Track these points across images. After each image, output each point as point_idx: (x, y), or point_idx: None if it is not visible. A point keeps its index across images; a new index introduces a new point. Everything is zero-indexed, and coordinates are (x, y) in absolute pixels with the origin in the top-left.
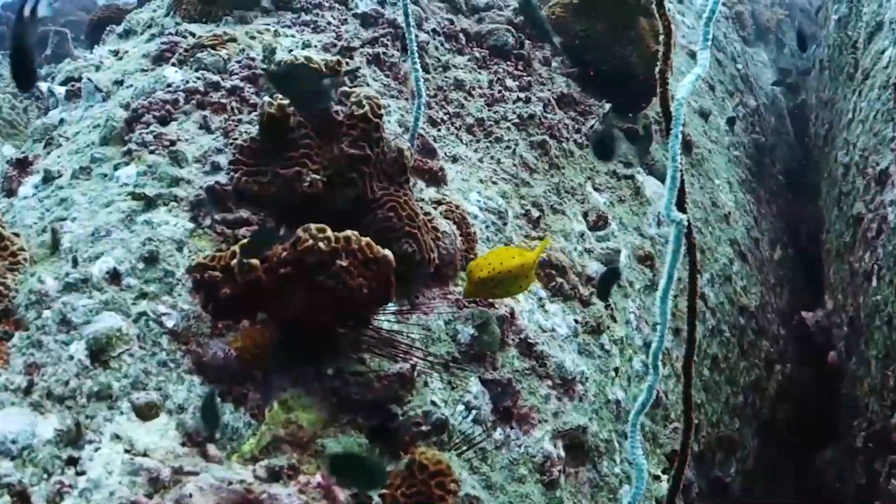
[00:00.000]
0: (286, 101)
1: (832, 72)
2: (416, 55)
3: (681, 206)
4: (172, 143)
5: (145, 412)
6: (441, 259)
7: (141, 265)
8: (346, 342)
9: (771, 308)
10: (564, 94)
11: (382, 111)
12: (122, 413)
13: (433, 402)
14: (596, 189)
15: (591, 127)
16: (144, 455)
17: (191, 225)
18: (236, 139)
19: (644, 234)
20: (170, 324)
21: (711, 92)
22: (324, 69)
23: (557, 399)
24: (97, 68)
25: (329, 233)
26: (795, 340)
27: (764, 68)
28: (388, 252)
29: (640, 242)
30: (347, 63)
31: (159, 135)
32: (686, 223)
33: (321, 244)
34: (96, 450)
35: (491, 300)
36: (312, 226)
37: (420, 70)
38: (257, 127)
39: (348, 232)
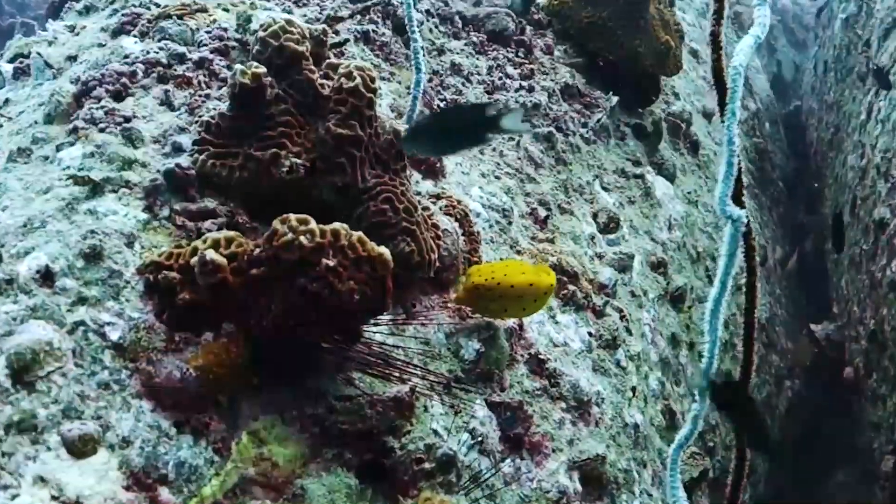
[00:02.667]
0: (262, 69)
1: (838, 73)
2: (415, 21)
3: (738, 200)
4: (127, 119)
5: (80, 447)
6: (442, 261)
7: (80, 263)
8: (331, 359)
9: (779, 320)
10: (569, 85)
11: (377, 85)
12: (49, 449)
13: (435, 431)
14: (604, 188)
15: (598, 121)
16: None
17: (144, 216)
18: (203, 116)
19: (656, 238)
20: (114, 336)
21: (713, 92)
22: (307, 37)
23: (572, 424)
24: (50, 44)
25: (312, 225)
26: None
27: (757, 73)
28: (384, 250)
29: (652, 248)
30: (335, 34)
31: (111, 111)
32: (745, 220)
33: (303, 239)
34: (13, 498)
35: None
36: (292, 216)
37: (419, 40)
38: (228, 102)
39: (336, 225)
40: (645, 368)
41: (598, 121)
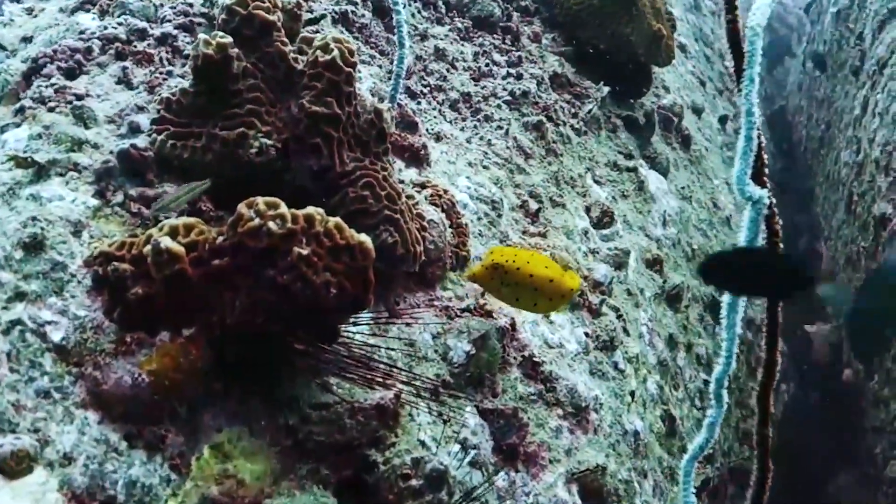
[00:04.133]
0: (228, 39)
1: (829, 68)
2: None
3: (758, 179)
4: (79, 98)
5: (13, 466)
6: (427, 255)
7: (19, 254)
8: (306, 362)
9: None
10: (558, 74)
11: (356, 59)
12: None
13: (422, 443)
14: (596, 182)
15: (589, 111)
16: None
17: (95, 202)
18: (163, 93)
19: (650, 234)
20: (56, 336)
21: (702, 88)
22: (278, 6)
23: (570, 432)
24: (4, 25)
25: (283, 209)
26: (799, 356)
27: None
28: (366, 238)
29: (647, 244)
30: (311, 11)
31: (62, 89)
32: (767, 201)
33: (271, 225)
34: None
35: (486, 309)
36: (260, 200)
37: (402, 12)
38: (190, 77)
39: (310, 209)
40: (643, 371)
41: (590, 111)
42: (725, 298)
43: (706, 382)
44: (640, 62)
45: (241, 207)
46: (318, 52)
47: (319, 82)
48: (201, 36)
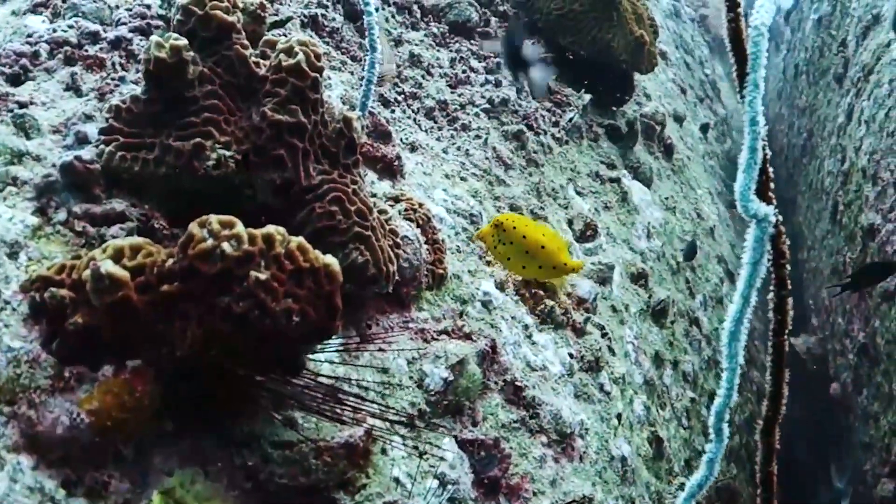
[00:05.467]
0: (183, 42)
1: (811, 76)
2: None
3: (763, 194)
4: (22, 105)
5: None
6: (401, 273)
7: None
8: (266, 396)
9: (757, 333)
10: None
11: (323, 63)
12: None
13: (397, 481)
14: (578, 193)
15: (570, 120)
16: None
17: (35, 220)
18: (113, 100)
19: (634, 247)
20: None
21: (683, 95)
22: (238, 7)
23: (555, 461)
24: None
25: (239, 229)
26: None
27: (721, 81)
28: (331, 260)
29: (631, 258)
30: (277, 12)
31: (5, 96)
32: (774, 220)
33: (226, 246)
34: None
35: (464, 331)
36: (213, 218)
37: (374, 12)
38: (142, 83)
39: (270, 228)
40: (630, 392)
41: (571, 120)
42: (726, 327)
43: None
44: (623, 69)
45: (193, 227)
46: (282, 56)
47: (283, 88)
48: (153, 38)
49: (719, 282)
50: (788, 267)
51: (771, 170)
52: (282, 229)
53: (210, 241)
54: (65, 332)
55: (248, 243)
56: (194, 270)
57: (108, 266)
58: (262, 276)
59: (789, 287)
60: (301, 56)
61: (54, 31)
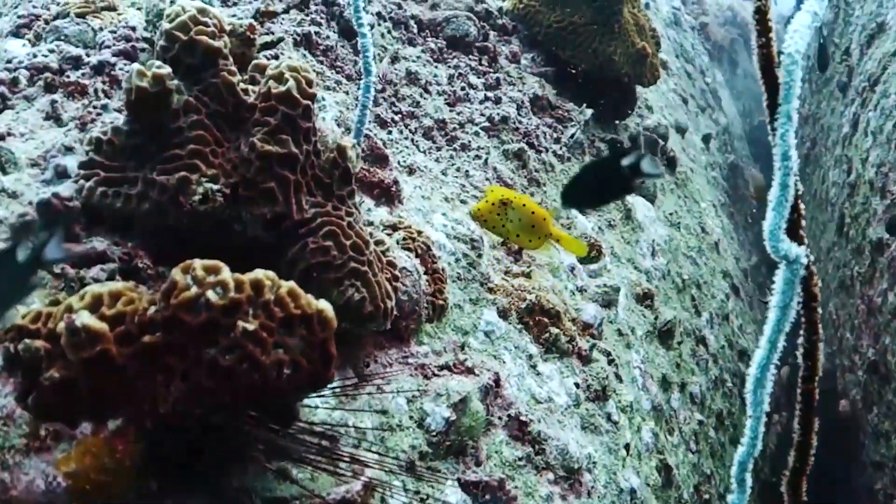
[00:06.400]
0: (166, 70)
1: (814, 84)
2: (362, 11)
3: (794, 233)
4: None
5: None
6: (400, 307)
7: None
8: (258, 447)
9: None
10: (538, 97)
11: (315, 90)
12: None
13: None
14: (581, 212)
15: (572, 136)
16: None
17: None
18: (93, 131)
19: (639, 266)
20: None
21: (685, 105)
22: (225, 31)
23: (562, 498)
24: None
25: (224, 275)
26: (788, 386)
27: (721, 88)
28: (325, 305)
29: (636, 278)
30: (270, 32)
31: None
32: (806, 261)
33: (211, 294)
34: None
35: (466, 365)
36: (198, 263)
37: (369, 35)
38: (124, 113)
39: (258, 273)
40: (638, 420)
41: (572, 136)
42: (752, 373)
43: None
44: (624, 82)
45: (176, 273)
46: (272, 83)
47: (273, 117)
48: (135, 66)
49: (725, 298)
50: (820, 310)
51: (802, 207)
52: (271, 274)
53: (194, 289)
54: (40, 387)
55: (235, 290)
56: (177, 321)
57: (84, 319)
58: (251, 327)
59: (820, 332)
60: (292, 83)
61: (34, 56)
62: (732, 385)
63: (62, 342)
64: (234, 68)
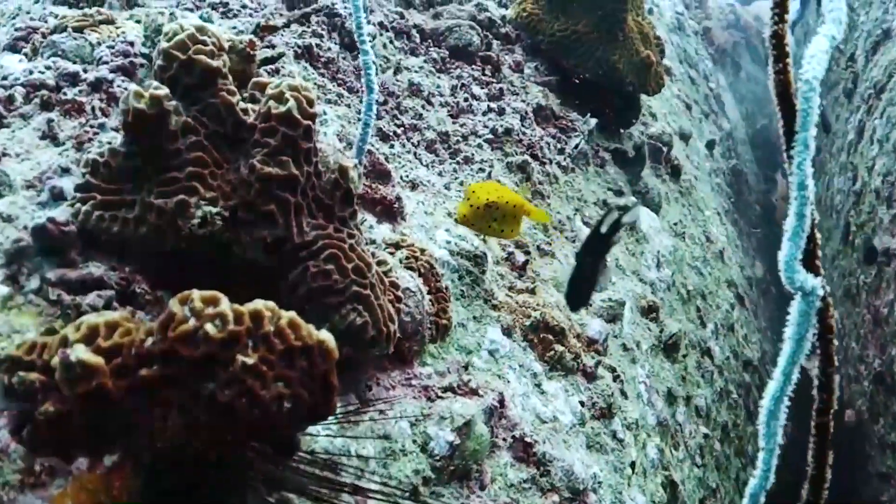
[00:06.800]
0: (164, 91)
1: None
2: (365, 30)
3: (810, 264)
4: None
5: None
6: (403, 329)
7: None
8: (258, 478)
9: (769, 357)
10: (542, 107)
11: (316, 109)
12: None
13: None
14: (586, 224)
15: (576, 146)
16: None
17: (4, 289)
18: (90, 152)
19: (644, 279)
20: None
21: (689, 112)
22: (224, 49)
23: None
24: None
25: (223, 307)
26: (796, 393)
27: (724, 92)
28: (326, 336)
29: (641, 290)
30: (272, 45)
31: None
32: (822, 292)
33: (209, 327)
34: None
35: (470, 386)
36: (196, 294)
37: (371, 53)
38: (121, 134)
39: (258, 304)
40: (643, 436)
41: (577, 146)
42: (765, 405)
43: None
44: (629, 91)
45: (174, 304)
46: (272, 103)
47: (273, 138)
48: (131, 87)
49: (730, 307)
50: (836, 342)
51: (819, 237)
52: (271, 304)
53: (192, 322)
54: (35, 421)
55: (234, 322)
56: (175, 354)
57: (78, 353)
58: (250, 361)
59: (836, 364)
60: (292, 103)
61: (31, 72)
62: (738, 396)
63: (57, 378)
64: (233, 87)
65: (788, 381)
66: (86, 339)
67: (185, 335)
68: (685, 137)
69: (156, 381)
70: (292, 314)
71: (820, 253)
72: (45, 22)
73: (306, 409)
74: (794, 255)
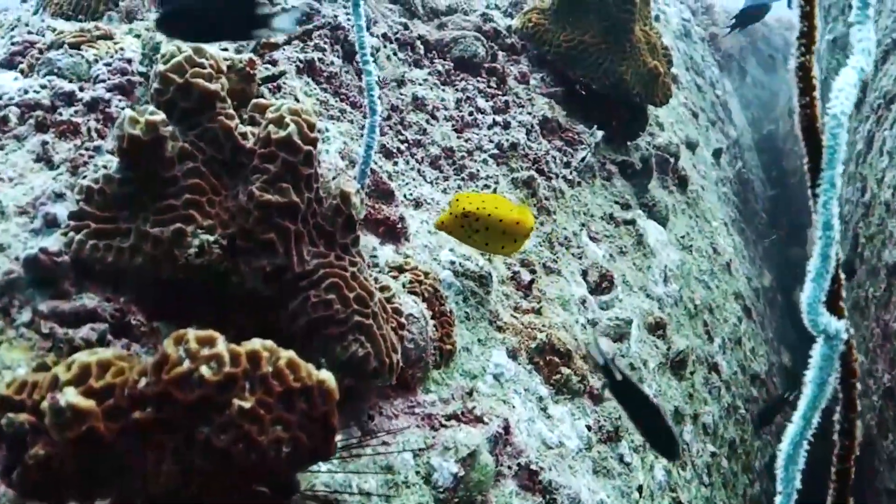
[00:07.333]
0: (160, 116)
1: (825, 100)
2: (368, 49)
3: (835, 306)
4: None
5: None
6: (406, 356)
7: None
8: None
9: (776, 369)
10: (548, 119)
11: (317, 134)
12: None
13: None
14: (592, 239)
15: (583, 160)
16: None
17: None
18: (84, 179)
19: (651, 294)
20: None
21: (695, 120)
22: (223, 71)
23: None
24: None
25: (220, 348)
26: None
27: (730, 98)
28: (326, 376)
29: (649, 306)
30: (271, 66)
31: None
32: (846, 335)
33: (204, 370)
34: None
35: (475, 413)
36: (191, 334)
37: (373, 72)
38: (117, 162)
39: (255, 344)
40: (650, 458)
41: (583, 160)
42: (784, 449)
43: None
44: (636, 102)
45: (168, 345)
46: (271, 128)
47: (272, 164)
48: (126, 112)
49: (737, 321)
50: (859, 386)
51: (843, 279)
52: (269, 343)
53: (187, 364)
54: (24, 465)
55: (231, 364)
56: (169, 397)
57: (69, 397)
58: (247, 405)
59: (859, 409)
60: (293, 127)
61: (26, 91)
62: (745, 411)
63: (46, 422)
64: (231, 111)
65: (808, 425)
66: (77, 380)
67: (179, 378)
68: (692, 147)
69: (149, 425)
70: (291, 354)
71: (844, 294)
72: (43, 36)
73: (306, 452)
74: (818, 298)
